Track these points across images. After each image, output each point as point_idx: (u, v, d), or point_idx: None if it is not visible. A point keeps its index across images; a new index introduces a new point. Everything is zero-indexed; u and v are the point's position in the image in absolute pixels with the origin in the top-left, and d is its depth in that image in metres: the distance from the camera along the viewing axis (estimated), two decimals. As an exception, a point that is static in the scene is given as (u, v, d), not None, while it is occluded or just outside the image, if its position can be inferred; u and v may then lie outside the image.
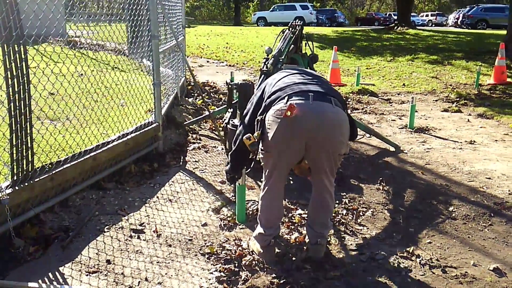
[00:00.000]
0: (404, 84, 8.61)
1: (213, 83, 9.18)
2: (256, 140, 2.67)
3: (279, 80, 2.82)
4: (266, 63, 3.89)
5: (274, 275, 2.68)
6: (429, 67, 10.02)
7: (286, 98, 2.59)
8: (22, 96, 2.85)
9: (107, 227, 3.21)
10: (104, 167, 3.88)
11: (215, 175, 4.25)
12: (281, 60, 4.10)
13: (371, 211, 3.56)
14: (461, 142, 5.34)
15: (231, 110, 3.76)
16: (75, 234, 3.08)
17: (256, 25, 31.12)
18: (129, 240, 3.07)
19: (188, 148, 4.97)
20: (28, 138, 2.96)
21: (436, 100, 7.82)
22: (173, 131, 5.31)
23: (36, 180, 3.04)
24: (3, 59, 2.72)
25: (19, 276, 2.61)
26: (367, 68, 10.38)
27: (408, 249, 3.01)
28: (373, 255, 2.94)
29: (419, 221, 3.41)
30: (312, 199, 2.88)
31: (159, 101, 4.70)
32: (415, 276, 2.73)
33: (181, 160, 4.62)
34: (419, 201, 3.77)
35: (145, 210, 3.52)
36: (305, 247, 2.97)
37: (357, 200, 3.77)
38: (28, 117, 2.93)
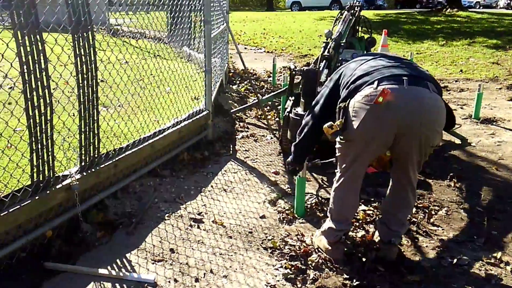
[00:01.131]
0: (461, 71, 8.23)
1: (253, 70, 9.11)
2: (339, 128, 2.51)
3: (363, 63, 2.62)
4: (328, 47, 3.79)
5: (345, 275, 2.64)
6: (488, 52, 9.51)
7: (376, 82, 2.38)
8: (90, 83, 2.88)
9: (167, 215, 3.25)
10: (160, 155, 3.92)
11: (267, 165, 4.23)
12: (342, 44, 4.00)
13: (445, 210, 3.45)
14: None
15: (293, 98, 3.69)
16: (138, 221, 3.12)
17: (290, 10, 30.66)
18: (190, 230, 3.09)
19: (236, 136, 4.96)
20: (95, 124, 3.00)
21: (499, 88, 7.42)
22: (221, 119, 5.31)
23: (101, 166, 3.09)
24: (73, 46, 2.74)
25: (88, 261, 2.67)
26: (417, 53, 10.01)
27: (494, 254, 2.86)
28: (455, 260, 2.80)
29: (500, 223, 3.26)
30: (391, 194, 2.73)
31: (210, 88, 4.69)
32: (507, 286, 2.60)
33: (231, 149, 4.62)
34: (497, 200, 3.61)
35: (201, 199, 3.54)
36: (375, 246, 2.89)
37: (427, 197, 3.66)
38: (95, 104, 2.97)
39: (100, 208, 3.14)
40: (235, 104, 6.00)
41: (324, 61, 3.52)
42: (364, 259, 2.80)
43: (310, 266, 2.74)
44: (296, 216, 3.33)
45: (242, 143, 4.79)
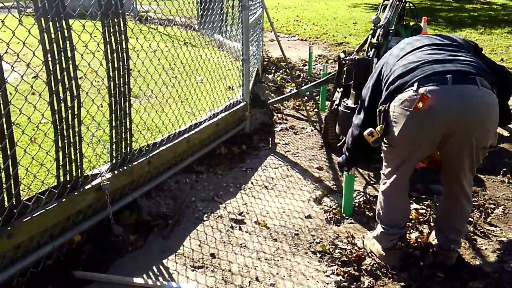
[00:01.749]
0: (502, 59, 7.73)
1: (288, 58, 8.74)
2: (380, 135, 2.27)
3: (401, 57, 2.31)
4: (377, 34, 3.43)
5: (402, 283, 2.34)
6: (531, 41, 8.99)
7: (416, 84, 2.10)
8: (121, 73, 2.64)
9: (206, 215, 3.00)
10: (195, 149, 3.67)
11: (309, 160, 3.92)
12: (391, 31, 3.63)
13: (502, 209, 3.08)
14: None
15: (341, 89, 3.38)
16: (175, 222, 2.88)
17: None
18: (231, 232, 2.83)
19: (275, 129, 4.66)
20: (127, 118, 2.77)
21: None
22: (258, 110, 5.02)
23: (134, 163, 2.86)
24: (103, 33, 2.50)
25: (121, 268, 2.45)
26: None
27: None
28: None
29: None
30: (443, 202, 2.46)
31: (247, 78, 4.40)
32: None
33: (270, 142, 4.33)
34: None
35: (241, 198, 3.27)
36: (432, 250, 2.58)
37: (481, 194, 3.29)
38: (127, 96, 2.73)
39: (133, 209, 2.92)
40: (272, 95, 5.70)
41: (373, 49, 3.18)
42: (421, 264, 2.49)
43: (363, 272, 2.44)
44: (344, 215, 3.03)
45: (281, 136, 4.49)
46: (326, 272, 2.44)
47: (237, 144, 4.15)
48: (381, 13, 4.19)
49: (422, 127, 2.11)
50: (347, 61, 2.88)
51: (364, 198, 3.23)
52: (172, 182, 3.36)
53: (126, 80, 2.66)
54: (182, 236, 2.76)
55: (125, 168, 2.79)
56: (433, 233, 2.68)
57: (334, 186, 3.43)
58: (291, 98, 5.56)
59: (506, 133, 4.50)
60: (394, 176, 2.34)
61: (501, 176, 3.58)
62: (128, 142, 2.81)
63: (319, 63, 8.55)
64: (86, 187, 2.49)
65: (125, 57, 2.64)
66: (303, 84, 6.57)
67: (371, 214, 3.04)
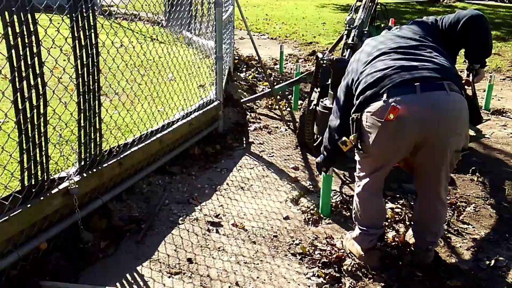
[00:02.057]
0: (465, 61, 7.92)
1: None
2: (353, 144, 2.26)
3: (368, 63, 2.27)
4: (352, 35, 3.40)
5: (383, 284, 2.31)
6: (490, 42, 9.26)
7: (386, 95, 2.08)
8: (91, 70, 2.50)
9: (181, 218, 2.89)
10: (168, 150, 3.54)
11: (285, 159, 3.86)
12: (365, 32, 3.62)
13: (473, 207, 3.12)
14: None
15: (318, 89, 3.33)
16: (148, 226, 2.76)
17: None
18: (208, 235, 2.73)
19: (249, 128, 4.58)
20: (97, 118, 2.63)
21: (503, 79, 7.14)
22: (231, 109, 4.93)
23: (104, 165, 2.72)
24: (71, 27, 2.36)
25: (92, 277, 2.31)
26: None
27: None
28: (492, 261, 2.52)
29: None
30: (419, 207, 2.45)
31: (221, 77, 4.31)
32: None
33: (244, 142, 4.24)
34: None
35: (217, 199, 3.18)
36: (409, 249, 2.56)
37: (452, 193, 3.32)
38: (96, 94, 2.58)
39: (103, 213, 2.78)
40: (245, 93, 5.61)
41: (349, 49, 3.15)
42: (400, 263, 2.47)
43: (344, 273, 2.41)
44: (322, 216, 2.98)
45: (255, 135, 4.41)
46: (307, 274, 2.38)
47: (211, 144, 4.04)
48: (353, 14, 4.18)
49: (394, 137, 2.11)
50: (325, 61, 2.83)
51: (341, 198, 3.20)
52: (144, 184, 3.23)
53: (96, 78, 2.52)
54: (157, 241, 2.64)
55: (94, 170, 2.64)
56: (410, 231, 2.68)
57: (311, 186, 3.39)
58: (263, 97, 5.49)
59: (472, 133, 4.57)
60: (368, 179, 2.34)
61: (470, 174, 3.63)
62: (98, 143, 2.66)
63: (289, 62, 8.53)
64: (53, 191, 2.34)
65: (94, 53, 2.50)
66: (274, 84, 6.52)
67: (349, 214, 3.01)
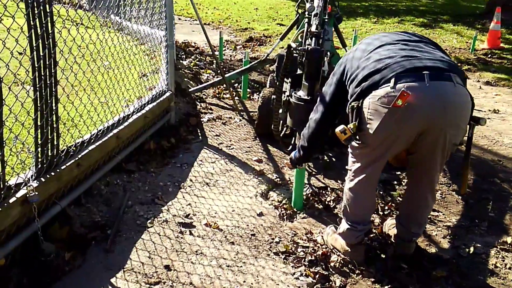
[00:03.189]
0: (399, 48, 8.29)
1: (194, 43, 8.40)
2: (353, 133, 2.17)
3: (371, 52, 2.21)
4: (315, 23, 3.32)
5: (373, 279, 2.30)
6: (418, 30, 9.69)
7: (393, 80, 2.01)
8: (47, 63, 2.20)
9: (149, 221, 2.68)
10: (123, 146, 3.27)
11: (246, 152, 3.75)
12: (325, 20, 3.56)
13: (439, 193, 3.23)
14: (485, 112, 5.10)
15: (290, 80, 3.22)
16: (115, 232, 2.53)
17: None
18: (181, 238, 2.56)
19: (202, 119, 4.39)
20: (54, 115, 2.33)
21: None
22: (180, 99, 4.69)
23: (62, 167, 2.44)
24: (26, 15, 2.04)
25: (61, 293, 2.06)
26: (353, 30, 9.95)
27: (504, 239, 2.71)
28: (471, 248, 2.61)
29: (493, 203, 3.11)
30: (409, 197, 2.44)
31: (172, 66, 4.07)
32: None
33: (200, 134, 4.06)
34: (480, 179, 3.46)
35: (184, 197, 3.00)
36: (389, 240, 2.59)
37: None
38: (53, 90, 2.29)
39: (63, 220, 2.49)
40: (191, 82, 5.38)
41: (314, 38, 3.08)
42: (383, 256, 2.49)
43: (332, 271, 2.37)
44: (296, 210, 2.92)
45: (210, 127, 4.24)
46: (294, 274, 2.31)
47: (165, 138, 3.81)
48: (311, 1, 4.11)
49: (400, 125, 2.04)
50: (299, 51, 2.74)
51: (311, 190, 3.16)
52: (102, 185, 2.95)
53: (53, 71, 2.21)
54: (127, 248, 2.42)
55: (52, 174, 2.35)
56: (388, 222, 2.71)
57: (278, 179, 3.31)
58: (213, 86, 5.29)
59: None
60: (365, 174, 2.26)
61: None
62: (55, 143, 2.37)
63: (227, 48, 8.36)
64: (11, 201, 2.04)
65: (51, 44, 2.19)
66: (219, 71, 6.34)
67: (321, 206, 2.99)
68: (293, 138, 3.53)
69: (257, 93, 5.38)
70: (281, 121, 3.69)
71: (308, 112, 2.58)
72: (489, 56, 7.66)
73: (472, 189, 3.31)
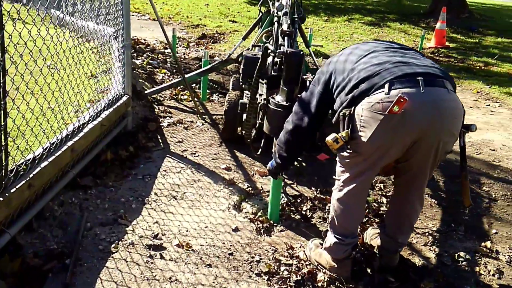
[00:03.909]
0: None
1: (144, 40, 8.00)
2: (345, 141, 2.02)
3: (361, 59, 2.09)
4: (286, 22, 3.13)
5: (363, 296, 2.17)
6: (367, 29, 9.83)
7: (387, 86, 1.90)
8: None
9: (113, 245, 2.39)
10: (78, 159, 2.95)
11: (213, 159, 3.51)
12: (296, 19, 3.39)
13: None
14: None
15: (265, 81, 3.00)
16: (75, 261, 2.22)
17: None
18: (151, 263, 2.30)
19: (161, 124, 4.10)
20: (2, 131, 2.00)
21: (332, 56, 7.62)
22: (136, 102, 4.36)
23: (12, 190, 2.11)
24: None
25: None
26: (305, 28, 9.93)
27: (483, 244, 2.68)
28: (452, 256, 2.55)
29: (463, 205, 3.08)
30: (397, 206, 2.32)
31: (129, 67, 3.75)
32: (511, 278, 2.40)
33: (161, 141, 3.78)
34: (448, 181, 3.45)
35: (149, 215, 2.73)
36: (374, 252, 2.47)
37: (389, 184, 3.33)
38: (1, 102, 1.95)
39: (13, 251, 2.17)
40: (146, 83, 5.05)
41: (287, 37, 2.89)
42: (369, 270, 2.36)
43: (319, 290, 2.20)
44: (272, 222, 2.74)
45: (171, 132, 3.96)
46: (280, 297, 2.13)
47: (122, 146, 3.50)
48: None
49: (396, 132, 1.91)
50: (277, 54, 2.54)
51: (285, 199, 2.99)
52: (56, 206, 2.63)
53: (1, 81, 1.88)
54: (90, 280, 2.14)
55: (1, 199, 2.02)
56: (369, 232, 2.60)
57: (250, 189, 3.11)
58: (172, 88, 4.97)
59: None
60: (355, 183, 2.11)
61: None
62: (3, 163, 2.03)
63: (180, 46, 8.03)
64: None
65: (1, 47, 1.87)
66: (174, 70, 6.04)
67: (298, 217, 2.83)
68: (262, 142, 3.34)
69: (217, 94, 5.15)
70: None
71: (286, 118, 2.41)
72: (436, 54, 7.86)
73: (443, 191, 3.28)
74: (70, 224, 2.53)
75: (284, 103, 2.54)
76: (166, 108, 4.51)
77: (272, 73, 2.96)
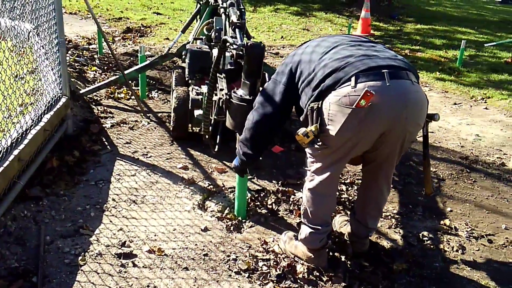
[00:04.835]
0: (282, 37, 8.42)
1: (64, 36, 7.50)
2: (315, 136, 2.05)
3: (327, 52, 2.12)
4: (234, 13, 3.07)
5: (343, 283, 2.24)
6: (295, 19, 10.03)
7: (353, 79, 1.94)
8: None
9: (80, 257, 2.25)
10: (24, 168, 2.71)
11: (167, 159, 3.40)
12: (243, 10, 3.35)
13: None
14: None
15: (223, 75, 2.91)
16: (42, 279, 2.06)
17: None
18: (125, 272, 2.20)
19: (104, 126, 3.88)
20: None
21: (296, 48, 7.81)
22: (73, 104, 4.09)
23: (-37, 210, 1.89)
24: None
25: None
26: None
27: (442, 222, 2.87)
28: (417, 236, 2.71)
29: (416, 186, 3.30)
30: (366, 193, 2.40)
31: (65, 66, 3.50)
32: (473, 252, 2.61)
33: (106, 143, 3.58)
34: (399, 164, 3.62)
35: (111, 222, 2.60)
36: (344, 239, 2.55)
37: (345, 171, 3.45)
38: None
39: (-30, 275, 1.95)
40: (78, 82, 4.74)
41: (238, 29, 2.85)
42: (343, 258, 2.44)
43: (301, 282, 2.24)
44: (240, 219, 2.73)
45: (116, 134, 3.76)
46: (265, 293, 2.14)
47: (66, 151, 3.27)
48: None
49: (363, 125, 1.97)
50: (238, 47, 2.50)
51: (249, 195, 2.98)
52: (9, 221, 2.41)
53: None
54: (63, 297, 1.99)
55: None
56: (338, 220, 2.68)
57: (211, 186, 3.07)
58: (109, 86, 4.70)
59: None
60: (327, 173, 2.16)
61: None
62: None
63: (104, 40, 7.63)
64: None
65: None
66: (105, 67, 5.74)
67: (264, 211, 2.84)
68: (217, 139, 3.30)
69: (156, 91, 4.98)
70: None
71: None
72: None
73: (396, 175, 3.46)
74: (27, 239, 2.33)
75: (248, 97, 2.53)
76: (105, 108, 4.28)
77: (229, 67, 2.92)
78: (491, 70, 6.81)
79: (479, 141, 4.27)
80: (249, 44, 2.49)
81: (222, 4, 3.50)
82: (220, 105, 2.92)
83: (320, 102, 2.04)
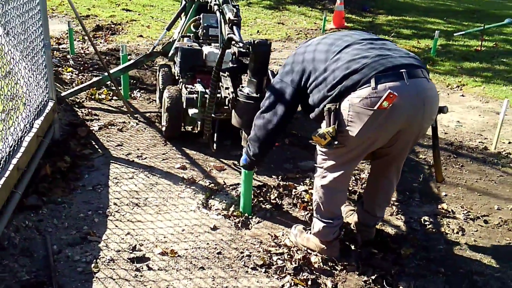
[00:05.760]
0: (258, 31, 8.40)
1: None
2: (332, 137, 2.06)
3: (339, 52, 2.12)
4: (230, 10, 3.04)
5: (357, 271, 2.29)
6: (269, 13, 10.00)
7: (373, 81, 1.96)
8: None
9: (92, 265, 2.20)
10: (20, 177, 2.62)
11: (163, 160, 3.36)
12: (238, 7, 3.32)
13: (367, 172, 3.33)
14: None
15: (227, 74, 2.88)
16: (59, 290, 2.01)
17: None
18: (141, 276, 2.17)
19: (92, 128, 3.78)
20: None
21: (297, 47, 7.86)
22: (58, 107, 3.96)
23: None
24: None
25: None
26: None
27: (440, 206, 2.97)
28: (418, 221, 2.78)
29: (410, 174, 3.39)
30: (376, 184, 2.45)
31: (51, 69, 3.39)
32: (472, 233, 2.71)
33: (97, 147, 3.50)
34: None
35: (117, 226, 2.55)
36: (351, 228, 2.61)
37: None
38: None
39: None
40: (57, 84, 4.57)
41: (235, 27, 2.83)
42: (352, 247, 2.49)
43: (317, 273, 2.28)
44: (247, 215, 2.74)
45: (106, 137, 3.67)
46: (284, 286, 2.16)
47: (57, 157, 3.17)
48: None
49: (385, 125, 2.01)
50: (244, 45, 2.48)
51: (252, 191, 2.99)
52: (12, 232, 2.33)
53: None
54: (83, 307, 1.95)
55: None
56: (344, 209, 2.71)
57: (212, 185, 3.05)
58: (93, 87, 4.56)
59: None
60: (341, 171, 2.19)
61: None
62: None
63: (76, 39, 7.40)
64: None
65: None
66: (81, 68, 5.58)
67: (269, 206, 2.85)
68: (215, 137, 3.28)
69: (138, 91, 4.88)
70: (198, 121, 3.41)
71: (258, 110, 2.40)
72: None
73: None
74: (34, 250, 2.26)
75: (255, 94, 2.52)
76: (89, 110, 4.17)
77: (231, 65, 2.90)
78: (463, 58, 7.04)
79: (460, 127, 4.43)
80: (255, 42, 2.48)
81: (214, 1, 3.46)
82: (226, 103, 2.90)
83: (338, 103, 2.05)
